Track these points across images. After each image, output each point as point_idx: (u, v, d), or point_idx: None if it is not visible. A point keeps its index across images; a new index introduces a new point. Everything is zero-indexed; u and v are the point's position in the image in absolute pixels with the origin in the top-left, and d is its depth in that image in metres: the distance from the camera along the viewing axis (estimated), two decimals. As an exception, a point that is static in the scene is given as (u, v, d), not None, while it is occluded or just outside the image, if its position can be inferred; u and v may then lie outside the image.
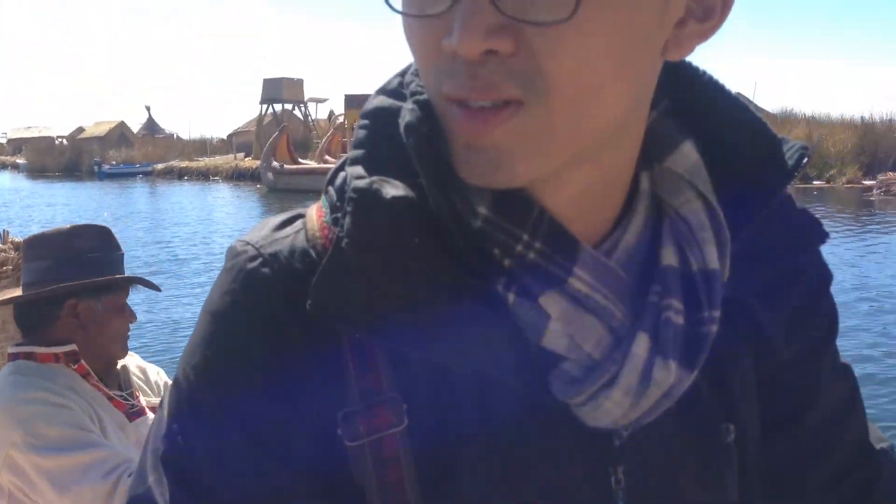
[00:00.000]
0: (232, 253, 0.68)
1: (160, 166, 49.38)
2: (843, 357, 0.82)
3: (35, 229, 2.72)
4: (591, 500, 0.67)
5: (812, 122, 30.56)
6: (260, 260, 0.65)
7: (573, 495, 0.67)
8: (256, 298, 0.64)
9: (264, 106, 48.73)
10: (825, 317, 0.79)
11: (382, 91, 0.69)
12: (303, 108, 50.52)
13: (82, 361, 2.11)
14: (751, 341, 0.73)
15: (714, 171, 0.69)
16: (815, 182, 25.24)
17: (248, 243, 0.67)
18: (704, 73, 0.71)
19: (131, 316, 2.25)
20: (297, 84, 49.83)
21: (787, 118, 32.62)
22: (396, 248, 0.60)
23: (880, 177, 23.73)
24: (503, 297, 0.62)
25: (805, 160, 0.70)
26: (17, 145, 75.94)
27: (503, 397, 0.64)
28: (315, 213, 0.69)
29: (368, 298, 0.61)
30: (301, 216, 0.70)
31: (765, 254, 0.71)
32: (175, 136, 65.59)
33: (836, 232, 14.96)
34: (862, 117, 29.32)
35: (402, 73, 0.69)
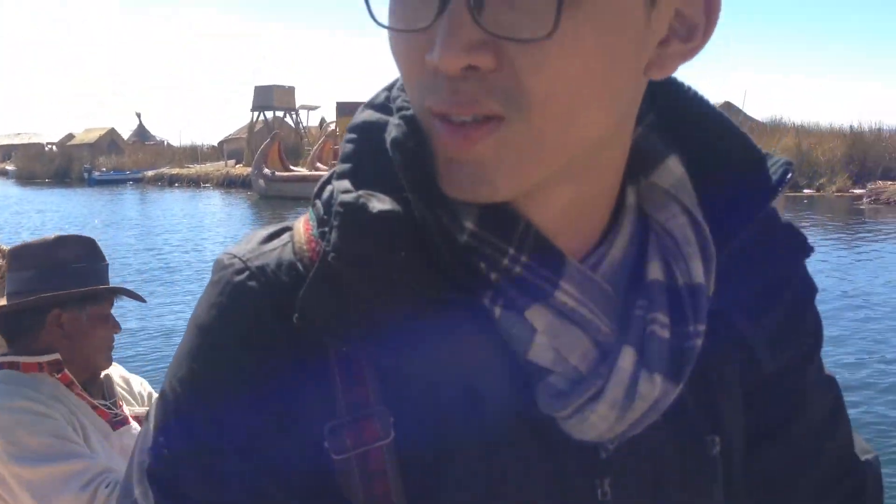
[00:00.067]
0: (219, 266, 0.68)
1: (150, 173, 49.20)
2: (827, 369, 0.82)
3: (25, 236, 2.72)
4: None
5: (801, 131, 30.67)
6: (247, 273, 0.65)
7: None
8: (243, 311, 0.64)
9: (255, 113, 48.70)
10: (810, 329, 0.80)
11: (370, 105, 0.69)
12: (294, 116, 50.53)
13: (66, 370, 2.12)
14: (736, 354, 0.74)
15: (699, 185, 0.69)
16: (805, 190, 25.35)
17: (234, 256, 0.67)
18: (689, 88, 0.72)
19: (116, 326, 2.26)
20: (289, 91, 49.84)
21: (777, 127, 32.76)
22: (383, 262, 0.61)
23: (870, 185, 23.86)
24: (489, 310, 0.63)
25: (789, 175, 0.70)
26: (6, 151, 75.77)
27: (489, 410, 0.64)
28: (302, 227, 0.69)
29: (355, 312, 0.61)
30: (288, 229, 0.70)
31: (750, 267, 0.71)
32: (165, 142, 65.47)
33: (828, 240, 15.04)
34: (851, 126, 29.49)
35: (390, 88, 0.69)
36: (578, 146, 0.60)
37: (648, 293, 0.65)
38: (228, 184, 40.75)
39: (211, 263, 0.70)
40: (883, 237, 16.01)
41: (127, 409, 2.26)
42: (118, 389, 2.30)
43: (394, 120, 0.63)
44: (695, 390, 0.69)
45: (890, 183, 23.45)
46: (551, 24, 0.53)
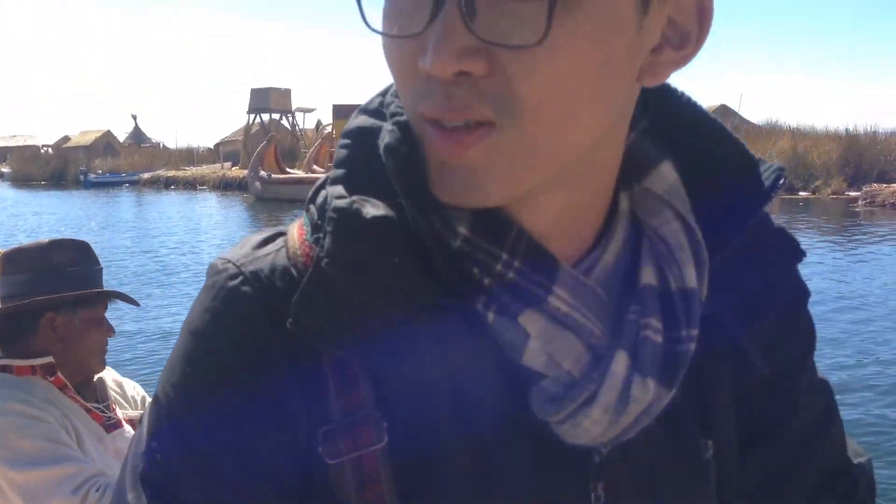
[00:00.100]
0: (213, 270, 0.68)
1: (146, 175, 49.11)
2: (821, 372, 0.83)
3: (22, 238, 2.73)
4: None
5: (797, 134, 30.70)
6: (241, 278, 0.65)
7: None
8: (237, 316, 0.65)
9: (252, 115, 48.68)
10: (803, 333, 0.80)
11: (364, 110, 0.70)
12: (290, 118, 50.49)
13: (59, 374, 2.12)
14: (729, 359, 0.74)
15: (692, 191, 0.70)
16: (801, 193, 25.39)
17: (228, 261, 0.67)
18: (682, 94, 0.72)
19: (109, 330, 2.26)
20: (285, 94, 49.81)
21: (773, 129, 32.80)
22: (377, 268, 0.61)
23: (865, 188, 23.89)
24: (483, 315, 0.63)
25: (782, 181, 0.70)
26: (1, 154, 75.55)
27: (483, 415, 0.65)
28: (296, 231, 0.69)
29: (349, 317, 0.61)
30: (282, 234, 0.70)
31: (743, 272, 0.71)
32: (161, 145, 65.34)
33: (823, 242, 15.06)
34: (846, 129, 29.52)
35: (384, 93, 0.69)
36: (570, 153, 0.60)
37: (641, 298, 0.66)
38: (225, 186, 40.70)
39: (208, 266, 0.70)
40: (878, 239, 16.03)
41: (120, 413, 2.27)
42: (111, 393, 2.31)
43: (387, 126, 0.64)
44: (688, 394, 0.70)
45: (885, 185, 23.50)
46: (542, 30, 0.53)
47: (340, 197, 0.62)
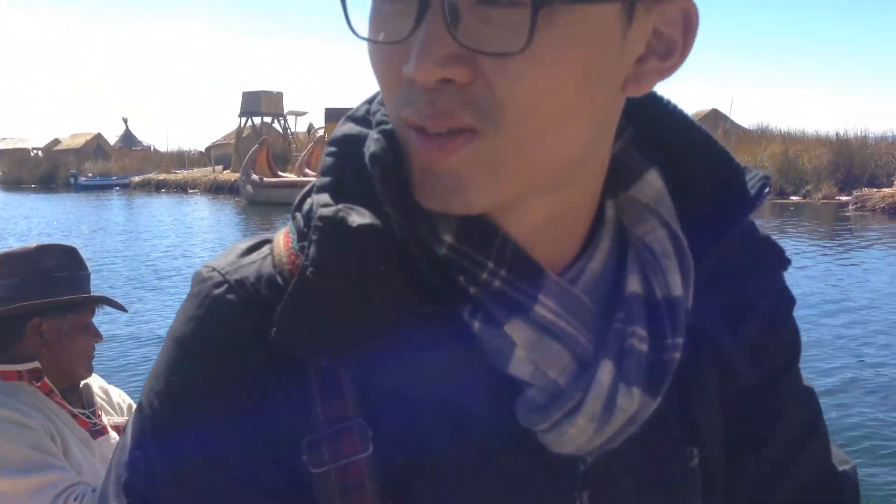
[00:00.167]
0: (198, 278, 0.67)
1: (137, 178, 48.93)
2: (806, 379, 0.83)
3: (12, 242, 2.71)
4: None
5: (788, 139, 30.77)
6: (226, 286, 0.65)
7: None
8: (221, 325, 0.64)
9: (243, 119, 48.58)
10: (788, 341, 0.80)
11: (351, 118, 0.70)
12: (282, 121, 50.42)
13: (45, 379, 2.12)
14: (714, 366, 0.74)
15: (678, 199, 0.70)
16: (791, 197, 25.45)
17: (214, 269, 0.67)
18: (668, 102, 0.72)
19: (96, 335, 2.26)
20: (277, 97, 49.71)
21: (764, 134, 32.88)
22: (362, 276, 0.61)
23: (856, 192, 23.95)
24: (469, 324, 0.63)
25: (767, 189, 0.71)
26: (-9, 157, 75.21)
27: (469, 424, 0.65)
28: (282, 239, 0.69)
29: (334, 326, 0.61)
30: (268, 241, 0.70)
31: (728, 280, 0.72)
32: (152, 148, 65.16)
33: (813, 247, 15.10)
34: (837, 134, 29.62)
35: (370, 101, 0.69)
36: (554, 161, 0.60)
37: (627, 306, 0.66)
38: (216, 189, 40.58)
39: (193, 273, 0.70)
40: (868, 244, 16.09)
41: (106, 419, 2.26)
42: (98, 399, 2.31)
43: (373, 134, 0.63)
44: (673, 403, 0.70)
45: (875, 190, 23.57)
46: (525, 39, 0.53)
47: (326, 205, 0.62)
